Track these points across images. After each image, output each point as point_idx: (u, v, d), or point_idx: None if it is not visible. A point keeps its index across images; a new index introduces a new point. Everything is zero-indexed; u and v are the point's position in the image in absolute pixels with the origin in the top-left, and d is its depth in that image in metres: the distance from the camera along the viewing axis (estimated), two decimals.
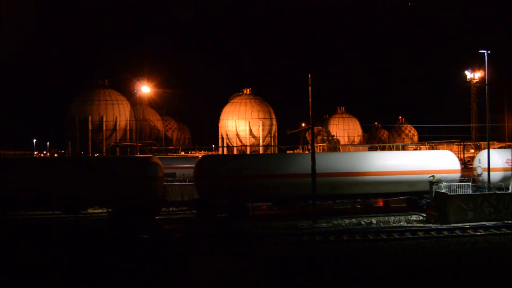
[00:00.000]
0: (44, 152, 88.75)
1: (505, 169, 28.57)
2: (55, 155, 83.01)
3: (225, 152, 78.92)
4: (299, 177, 25.79)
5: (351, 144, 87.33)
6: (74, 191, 24.43)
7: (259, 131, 79.79)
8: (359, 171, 26.66)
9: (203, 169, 26.37)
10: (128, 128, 75.23)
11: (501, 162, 28.83)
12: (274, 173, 26.22)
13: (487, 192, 23.85)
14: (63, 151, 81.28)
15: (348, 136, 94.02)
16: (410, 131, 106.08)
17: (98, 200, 25.78)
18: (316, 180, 24.30)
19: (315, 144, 44.76)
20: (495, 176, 27.79)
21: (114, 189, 24.53)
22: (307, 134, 66.18)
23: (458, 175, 27.29)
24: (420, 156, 29.07)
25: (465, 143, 62.77)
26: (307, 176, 24.61)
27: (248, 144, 79.79)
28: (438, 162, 27.70)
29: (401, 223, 24.02)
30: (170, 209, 30.27)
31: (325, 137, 74.63)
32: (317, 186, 24.37)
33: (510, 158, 28.70)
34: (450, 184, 23.57)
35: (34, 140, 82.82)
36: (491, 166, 26.85)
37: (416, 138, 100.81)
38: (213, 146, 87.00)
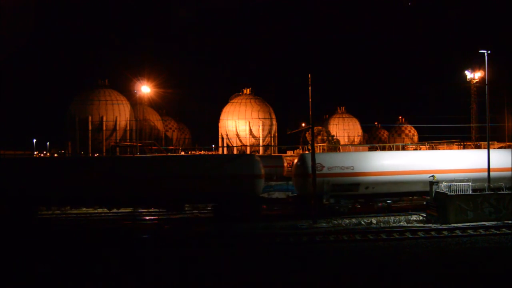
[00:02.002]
0: (44, 152, 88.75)
1: None
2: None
3: (225, 152, 78.90)
4: (402, 174, 27.10)
5: (351, 144, 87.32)
6: (181, 190, 25.20)
7: (259, 131, 79.77)
8: (454, 168, 27.53)
9: (306, 167, 26.64)
10: (128, 128, 75.21)
11: None
12: (379, 170, 27.03)
13: (487, 192, 23.85)
14: (63, 151, 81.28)
15: (348, 136, 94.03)
16: (410, 131, 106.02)
17: (203, 197, 26.44)
18: (316, 179, 24.39)
19: (315, 144, 44.73)
20: None
21: (220, 186, 25.16)
22: (307, 134, 66.16)
23: None
24: (505, 154, 29.55)
25: (465, 143, 62.71)
26: (408, 173, 26.79)
27: (248, 144, 79.80)
28: None
29: (401, 223, 24.02)
30: None
31: (325, 137, 74.66)
32: (410, 183, 26.51)
33: None
34: (450, 184, 23.58)
35: (34, 140, 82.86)
36: None
37: (416, 138, 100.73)
38: (213, 146, 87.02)
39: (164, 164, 27.41)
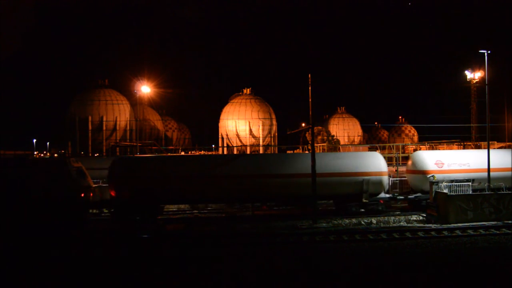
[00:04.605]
0: (44, 152, 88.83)
1: None
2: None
3: (225, 152, 78.90)
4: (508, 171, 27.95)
5: (351, 144, 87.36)
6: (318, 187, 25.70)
7: (259, 131, 79.79)
8: None
9: (424, 164, 27.70)
10: (128, 128, 75.25)
11: None
12: (491, 167, 27.60)
13: (487, 192, 23.87)
14: (63, 151, 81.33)
15: (348, 136, 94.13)
16: (410, 131, 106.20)
17: (332, 194, 26.78)
18: (316, 179, 24.41)
19: (315, 144, 44.73)
20: None
21: (351, 183, 25.74)
22: (307, 134, 66.23)
23: None
24: None
25: (465, 143, 62.77)
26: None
27: (248, 144, 79.82)
28: None
29: (401, 223, 24.02)
30: None
31: (325, 137, 74.75)
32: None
33: None
34: (450, 184, 23.60)
35: (34, 140, 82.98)
36: None
37: (416, 138, 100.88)
38: (213, 146, 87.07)
39: (303, 161, 27.38)
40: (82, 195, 23.95)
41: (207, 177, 25.44)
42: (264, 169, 26.23)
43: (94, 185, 26.29)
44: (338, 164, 26.55)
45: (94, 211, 28.22)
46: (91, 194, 25.22)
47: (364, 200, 25.99)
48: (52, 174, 23.87)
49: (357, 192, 26.09)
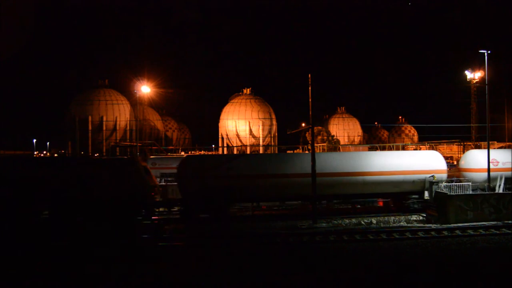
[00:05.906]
0: (44, 152, 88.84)
1: None
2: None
3: (225, 152, 78.84)
4: None
5: (351, 144, 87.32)
6: (378, 186, 26.42)
7: (259, 131, 79.73)
8: None
9: (480, 163, 28.75)
10: (128, 128, 75.19)
11: None
12: None
13: (487, 192, 23.88)
14: (63, 151, 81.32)
15: (348, 136, 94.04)
16: (410, 131, 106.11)
17: (391, 193, 27.28)
18: (316, 179, 24.38)
19: (315, 144, 44.73)
20: None
21: (415, 181, 26.47)
22: (307, 134, 66.18)
23: None
24: None
25: (465, 143, 62.74)
26: None
27: (248, 144, 79.77)
28: None
29: (401, 223, 24.03)
30: None
31: (325, 137, 74.64)
32: None
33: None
34: (450, 184, 23.61)
35: (34, 140, 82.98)
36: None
37: (416, 138, 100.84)
38: (213, 146, 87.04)
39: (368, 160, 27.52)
40: (152, 194, 23.99)
41: (282, 175, 25.54)
42: (331, 167, 26.42)
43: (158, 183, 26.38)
44: (403, 163, 26.98)
45: (160, 209, 28.28)
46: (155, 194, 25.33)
47: (426, 197, 26.37)
48: (124, 173, 23.68)
49: (418, 190, 26.65)
